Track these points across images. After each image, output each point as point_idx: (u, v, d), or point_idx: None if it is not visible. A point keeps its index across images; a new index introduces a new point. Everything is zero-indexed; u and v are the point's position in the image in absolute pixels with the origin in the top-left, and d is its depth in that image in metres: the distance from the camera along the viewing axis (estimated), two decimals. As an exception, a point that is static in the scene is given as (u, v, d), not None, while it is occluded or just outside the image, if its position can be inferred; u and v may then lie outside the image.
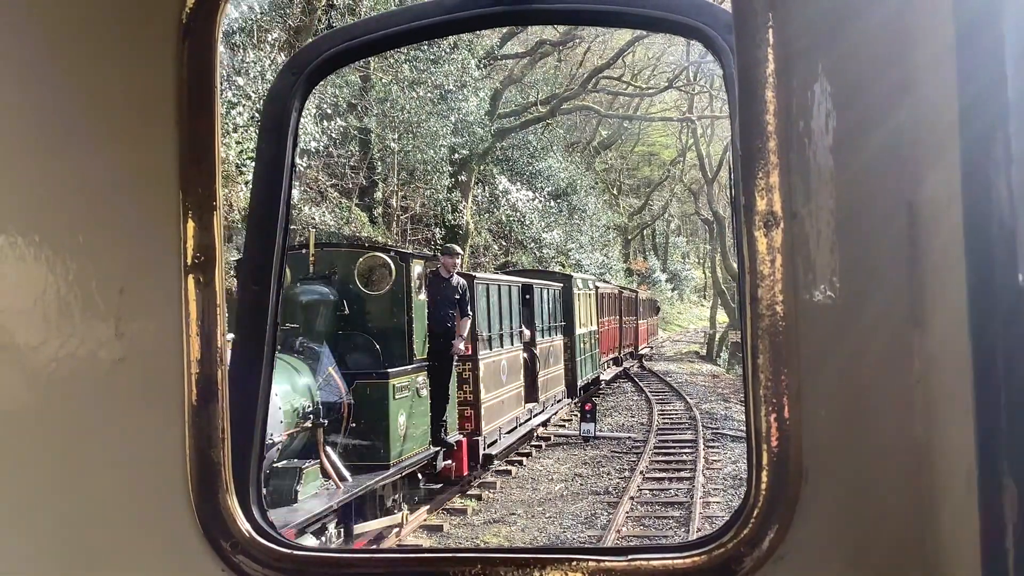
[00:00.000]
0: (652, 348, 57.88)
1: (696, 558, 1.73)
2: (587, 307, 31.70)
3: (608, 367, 37.74)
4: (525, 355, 22.01)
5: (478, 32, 29.83)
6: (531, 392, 22.68)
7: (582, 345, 30.08)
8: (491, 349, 18.78)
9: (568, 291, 28.83)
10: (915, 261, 1.62)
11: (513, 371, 20.56)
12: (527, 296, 23.06)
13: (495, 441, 18.51)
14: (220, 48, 2.01)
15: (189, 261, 1.89)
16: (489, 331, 18.71)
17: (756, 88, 1.69)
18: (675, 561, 1.74)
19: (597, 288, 34.78)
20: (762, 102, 1.69)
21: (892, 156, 1.63)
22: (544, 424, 24.22)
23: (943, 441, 1.56)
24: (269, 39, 20.58)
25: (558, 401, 26.44)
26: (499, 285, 19.95)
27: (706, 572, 1.72)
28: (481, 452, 17.30)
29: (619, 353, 41.39)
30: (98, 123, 1.93)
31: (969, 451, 1.37)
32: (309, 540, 9.77)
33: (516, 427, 20.76)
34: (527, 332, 22.21)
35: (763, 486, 1.68)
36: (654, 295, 68.74)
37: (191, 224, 1.89)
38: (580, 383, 29.63)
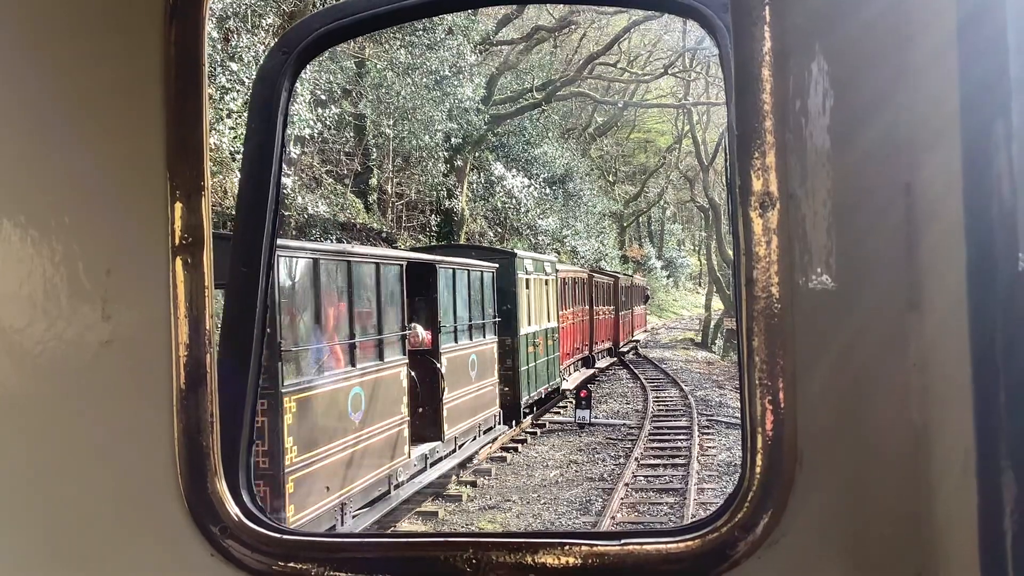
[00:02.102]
0: (639, 343, 50.08)
1: (690, 542, 1.71)
2: (540, 297, 24.96)
3: (574, 371, 31.12)
4: (411, 373, 14.47)
5: (473, 17, 29.71)
6: (425, 428, 15.74)
7: (530, 349, 23.10)
8: (325, 373, 11.30)
9: (507, 275, 21.32)
10: (914, 243, 1.60)
11: (382, 401, 13.08)
12: (428, 280, 15.91)
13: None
14: (208, 29, 1.98)
15: (177, 242, 1.86)
16: (319, 340, 11.24)
17: (753, 67, 1.67)
18: (668, 546, 1.72)
19: (557, 272, 27.97)
20: (759, 81, 1.66)
21: (891, 137, 1.61)
22: (462, 465, 17.58)
23: (940, 425, 1.54)
24: (263, 24, 20.46)
25: (487, 431, 19.17)
26: (349, 262, 12.05)
27: (700, 557, 1.70)
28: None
29: (591, 352, 34.79)
30: (85, 104, 1.90)
31: (967, 435, 1.35)
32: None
33: (386, 493, 13.36)
34: (421, 334, 15.47)
35: (758, 470, 1.67)
36: (646, 281, 65.29)
37: (178, 205, 1.87)
38: (527, 400, 22.71)
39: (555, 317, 27.06)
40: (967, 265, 1.37)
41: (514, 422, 21.90)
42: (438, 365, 16.02)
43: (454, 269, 17.19)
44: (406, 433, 14.12)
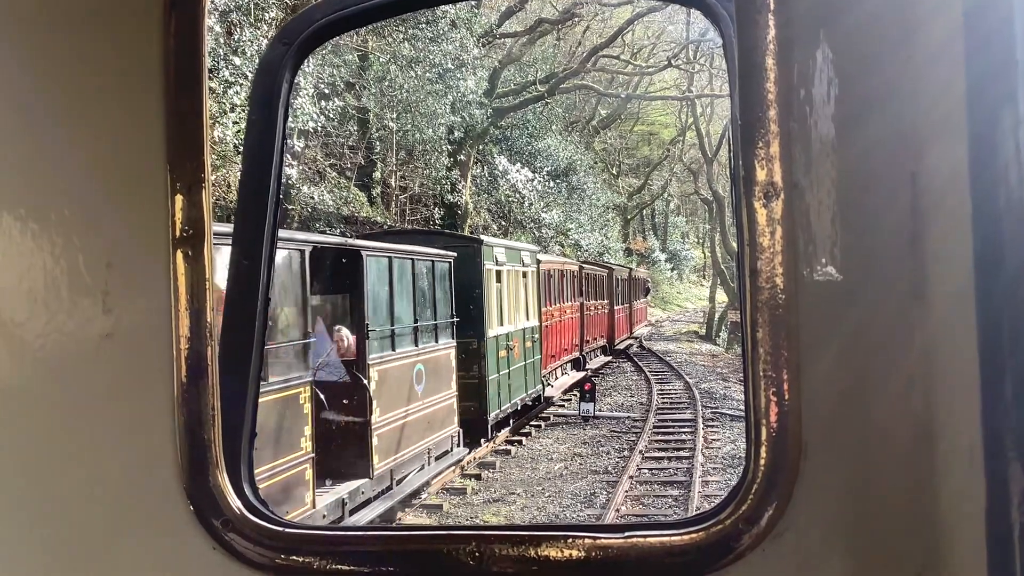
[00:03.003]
0: (638, 340, 47.22)
1: (694, 535, 1.70)
2: (516, 291, 21.52)
3: (560, 375, 27.85)
4: (318, 394, 11.01)
5: (476, 9, 29.65)
6: (343, 463, 12.16)
7: (502, 353, 19.50)
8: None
9: (470, 266, 17.83)
10: (919, 234, 1.58)
11: (273, 436, 9.72)
12: (351, 270, 12.32)
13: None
14: (209, 22, 1.96)
15: (177, 235, 1.85)
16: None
17: (756, 56, 1.65)
18: (672, 538, 1.71)
19: (540, 263, 24.50)
20: (762, 70, 1.65)
21: (897, 126, 1.60)
22: (406, 503, 14.40)
23: (946, 417, 1.53)
24: (266, 18, 20.43)
25: (440, 456, 15.61)
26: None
27: (704, 549, 1.69)
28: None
29: (581, 351, 31.25)
30: (84, 97, 1.89)
31: (973, 427, 1.34)
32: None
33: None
34: (348, 339, 12.39)
35: (762, 462, 1.65)
36: (648, 273, 63.60)
37: (179, 197, 1.86)
38: (497, 415, 19.05)
39: (536, 314, 23.57)
40: (973, 255, 1.36)
41: (482, 441, 18.53)
42: (364, 380, 12.22)
43: (390, 258, 13.27)
44: (309, 474, 10.58)
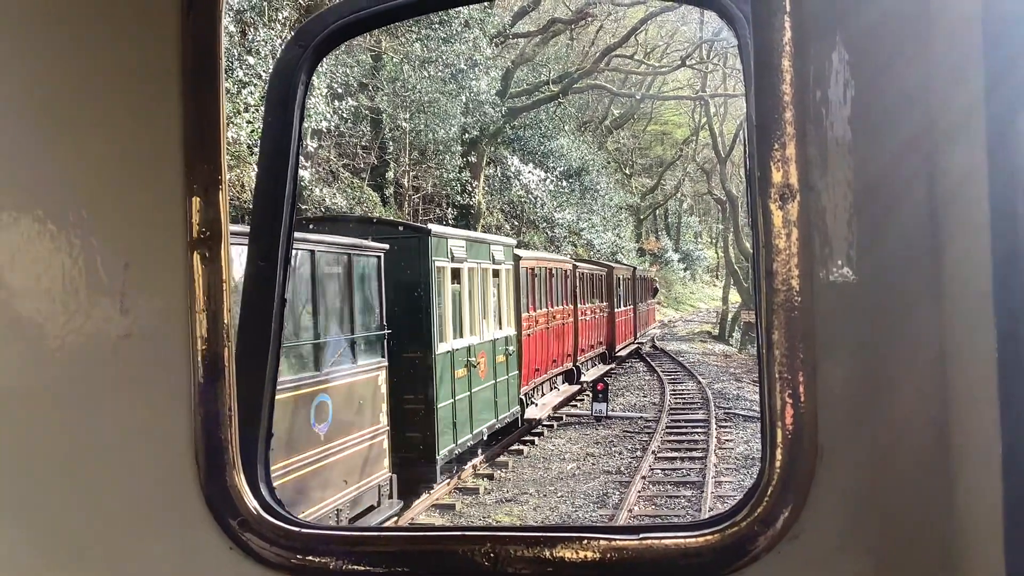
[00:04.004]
0: (645, 344, 44.15)
1: (709, 537, 1.70)
2: (484, 293, 17.85)
3: (548, 391, 24.34)
4: None
5: (489, 10, 29.65)
6: None
7: (461, 371, 15.94)
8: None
9: (412, 263, 14.42)
10: (937, 236, 1.58)
11: None
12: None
13: None
14: (225, 22, 1.98)
15: (195, 236, 1.86)
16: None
17: (772, 57, 1.65)
18: (688, 540, 1.71)
19: (520, 260, 20.80)
20: (778, 72, 1.64)
21: (914, 127, 1.59)
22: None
23: (963, 420, 1.53)
24: (280, 17, 20.50)
25: (359, 516, 12.23)
26: None
27: (719, 551, 1.69)
28: None
29: (575, 362, 27.64)
30: (103, 99, 1.90)
31: (991, 430, 1.34)
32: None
33: None
34: None
35: (778, 464, 1.65)
36: (656, 272, 60.63)
37: (196, 199, 1.87)
38: (453, 449, 15.45)
39: (513, 321, 19.90)
40: (992, 257, 1.35)
41: (434, 486, 15.07)
42: None
43: (297, 254, 10.37)
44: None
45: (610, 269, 36.36)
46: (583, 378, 27.83)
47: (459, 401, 15.81)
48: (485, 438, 17.50)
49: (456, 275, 16.25)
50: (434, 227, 16.10)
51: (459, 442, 15.75)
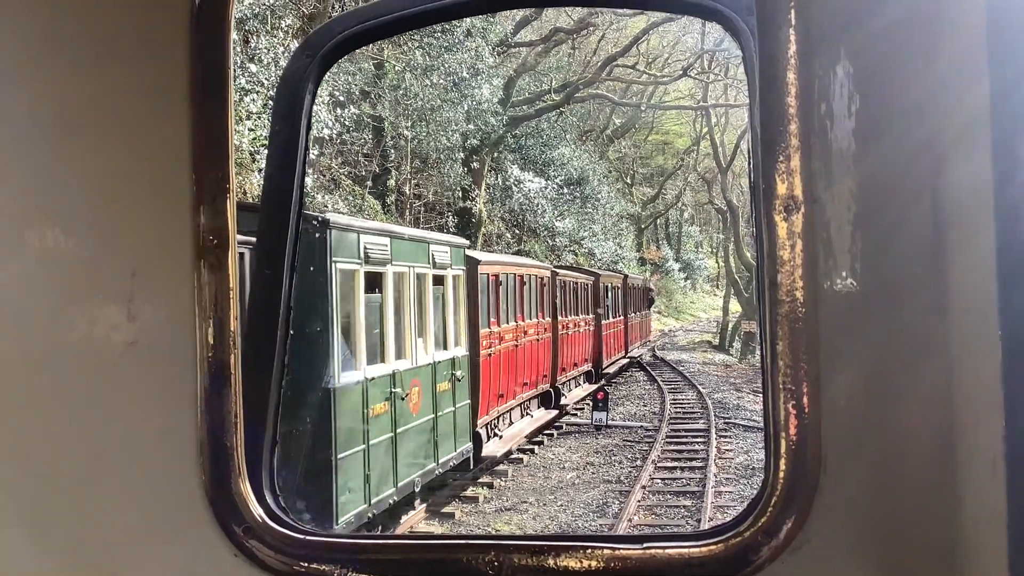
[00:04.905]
0: (640, 357, 40.69)
1: (713, 547, 1.70)
2: (421, 306, 14.39)
3: (518, 419, 20.90)
4: None
5: (491, 19, 29.73)
6: None
7: (380, 407, 12.35)
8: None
9: (309, 264, 10.88)
10: (941, 247, 1.58)
11: None
12: None
13: None
14: (233, 35, 1.99)
15: (202, 244, 1.87)
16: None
17: (777, 70, 1.66)
18: (691, 550, 1.71)
19: (479, 265, 17.80)
20: (783, 84, 1.65)
21: (918, 139, 1.60)
22: None
23: (968, 430, 1.53)
24: (282, 26, 20.56)
25: None
26: None
27: (723, 561, 1.69)
28: None
29: (552, 383, 23.95)
30: (112, 109, 1.92)
31: (995, 440, 1.34)
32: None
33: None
34: None
35: (781, 475, 1.66)
36: (654, 281, 58.23)
37: (204, 207, 1.88)
38: (364, 512, 11.65)
39: (463, 339, 16.47)
40: (997, 268, 1.36)
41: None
42: None
43: None
44: None
45: (596, 277, 32.76)
46: (563, 401, 24.69)
47: (375, 447, 11.99)
48: (417, 489, 13.84)
49: (376, 281, 12.77)
50: (336, 217, 12.24)
51: (375, 501, 11.92)
